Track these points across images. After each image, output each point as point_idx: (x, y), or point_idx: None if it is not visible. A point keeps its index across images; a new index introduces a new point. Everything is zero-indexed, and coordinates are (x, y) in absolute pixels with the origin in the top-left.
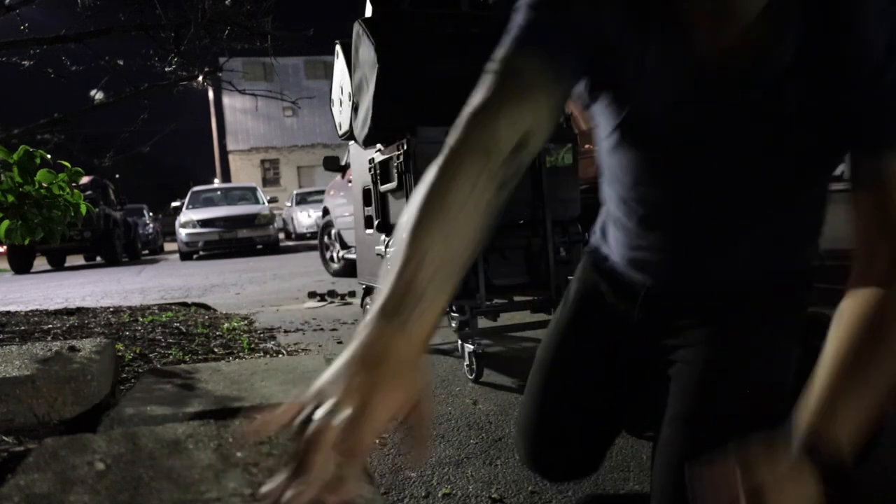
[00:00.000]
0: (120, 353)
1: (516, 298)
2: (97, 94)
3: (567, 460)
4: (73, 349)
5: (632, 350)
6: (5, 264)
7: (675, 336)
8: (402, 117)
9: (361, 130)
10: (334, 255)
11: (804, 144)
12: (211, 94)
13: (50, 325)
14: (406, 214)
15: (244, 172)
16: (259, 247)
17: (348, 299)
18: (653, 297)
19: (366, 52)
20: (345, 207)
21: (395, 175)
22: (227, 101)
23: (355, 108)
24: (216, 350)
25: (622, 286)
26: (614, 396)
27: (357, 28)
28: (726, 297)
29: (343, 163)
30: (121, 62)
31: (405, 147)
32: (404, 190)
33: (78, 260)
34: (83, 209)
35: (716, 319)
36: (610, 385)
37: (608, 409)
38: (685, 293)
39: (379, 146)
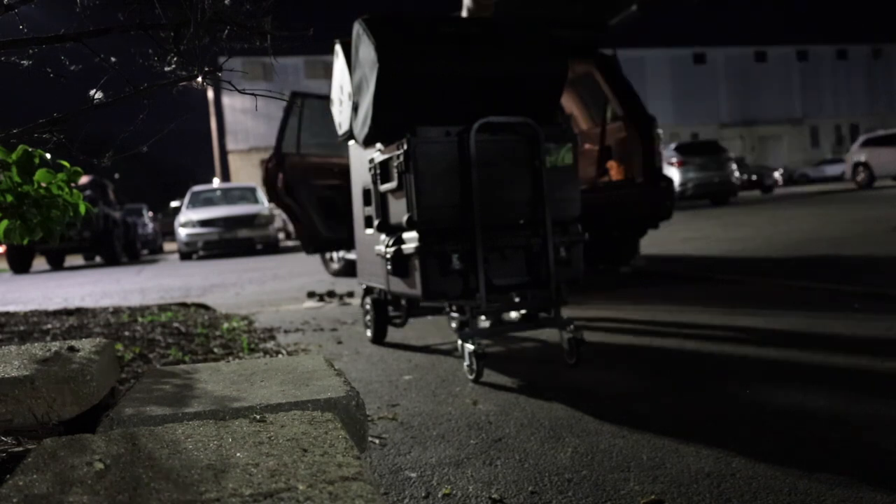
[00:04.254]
0: (119, 354)
1: (516, 298)
2: (97, 94)
3: None
4: (72, 349)
5: None
6: (4, 264)
7: None
8: (402, 117)
9: (361, 130)
10: (334, 255)
11: None
12: (211, 94)
13: (49, 326)
14: None
15: (244, 172)
16: (259, 247)
17: (348, 299)
18: None
19: (366, 51)
20: None
21: (395, 175)
22: (227, 101)
23: (355, 108)
24: (216, 350)
25: None
26: None
27: (357, 28)
28: None
29: None
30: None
31: (405, 147)
32: (404, 190)
33: (77, 260)
34: (82, 209)
35: None
36: None
37: None
38: None
39: (379, 146)
